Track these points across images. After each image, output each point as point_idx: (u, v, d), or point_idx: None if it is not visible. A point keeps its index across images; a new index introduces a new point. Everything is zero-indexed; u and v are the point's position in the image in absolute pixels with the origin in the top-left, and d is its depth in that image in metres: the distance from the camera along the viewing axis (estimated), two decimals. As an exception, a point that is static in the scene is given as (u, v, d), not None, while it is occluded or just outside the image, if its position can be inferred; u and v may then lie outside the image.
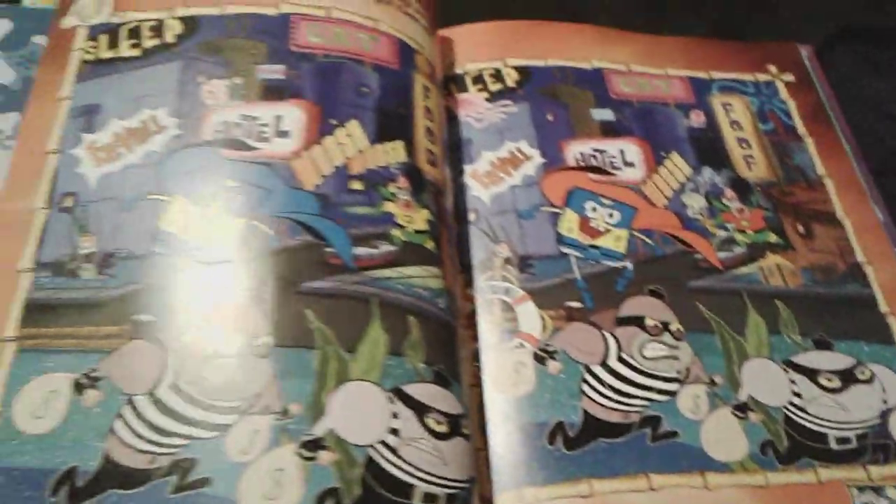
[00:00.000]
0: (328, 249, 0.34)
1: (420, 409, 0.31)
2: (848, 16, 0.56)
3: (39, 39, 0.42)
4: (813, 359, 0.38)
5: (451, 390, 0.32)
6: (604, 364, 0.36)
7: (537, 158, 0.42)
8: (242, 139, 0.36)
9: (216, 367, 0.30)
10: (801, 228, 0.43)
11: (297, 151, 0.36)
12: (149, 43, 0.39)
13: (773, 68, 0.50)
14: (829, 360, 0.38)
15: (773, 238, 0.42)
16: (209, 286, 0.32)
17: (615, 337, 0.37)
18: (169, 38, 0.39)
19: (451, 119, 0.44)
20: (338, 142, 0.36)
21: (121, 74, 0.38)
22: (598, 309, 0.38)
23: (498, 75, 0.46)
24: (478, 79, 0.45)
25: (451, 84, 0.45)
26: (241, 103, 0.37)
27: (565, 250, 0.39)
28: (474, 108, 0.44)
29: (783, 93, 0.49)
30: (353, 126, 0.37)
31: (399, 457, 0.29)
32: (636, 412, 0.35)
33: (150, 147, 0.35)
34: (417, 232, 0.35)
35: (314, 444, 0.29)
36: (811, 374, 0.38)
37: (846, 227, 0.43)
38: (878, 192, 0.45)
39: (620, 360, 0.36)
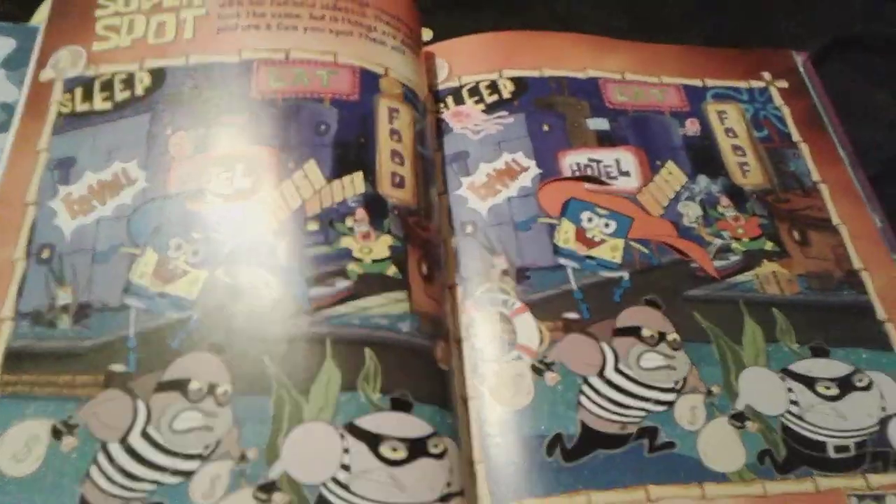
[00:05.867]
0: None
1: (373, 441, 0.31)
2: (846, 27, 0.56)
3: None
4: (810, 367, 0.38)
5: (415, 412, 0.32)
6: (601, 375, 0.36)
7: (533, 169, 0.43)
8: (213, 193, 0.37)
9: (182, 416, 0.31)
10: (796, 236, 0.43)
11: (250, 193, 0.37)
12: (120, 96, 0.39)
13: (767, 75, 0.50)
14: (827, 368, 0.38)
15: (768, 246, 0.42)
16: (174, 336, 0.33)
17: (612, 348, 0.37)
18: (139, 90, 0.40)
19: (449, 132, 0.44)
20: (295, 185, 0.37)
21: (94, 127, 0.39)
22: (595, 320, 0.38)
23: (494, 87, 0.46)
24: (474, 91, 0.46)
25: (448, 97, 0.45)
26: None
27: (562, 261, 0.40)
28: (471, 121, 0.44)
29: (777, 99, 0.49)
30: (311, 166, 0.37)
31: (350, 492, 0.30)
32: (633, 423, 0.35)
33: (120, 200, 0.37)
34: (376, 261, 0.36)
35: (269, 487, 0.30)
36: (809, 382, 0.38)
37: (842, 234, 0.43)
38: (876, 199, 0.45)
39: (618, 370, 0.36)
